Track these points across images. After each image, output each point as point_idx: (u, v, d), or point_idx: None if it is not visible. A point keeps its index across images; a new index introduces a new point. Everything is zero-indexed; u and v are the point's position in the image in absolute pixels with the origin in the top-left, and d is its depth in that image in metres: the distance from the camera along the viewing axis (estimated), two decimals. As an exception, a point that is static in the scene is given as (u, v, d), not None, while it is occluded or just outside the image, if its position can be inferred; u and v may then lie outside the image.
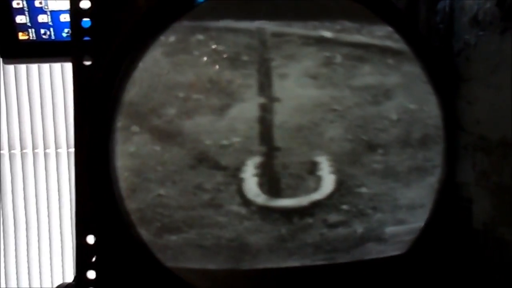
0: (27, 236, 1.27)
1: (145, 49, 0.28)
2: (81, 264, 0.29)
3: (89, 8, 0.30)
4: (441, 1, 0.33)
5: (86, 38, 0.29)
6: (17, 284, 1.25)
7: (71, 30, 0.30)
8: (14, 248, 1.27)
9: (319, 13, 0.28)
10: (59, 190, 1.26)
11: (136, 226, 0.27)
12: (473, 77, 0.29)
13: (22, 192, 1.26)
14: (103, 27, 0.29)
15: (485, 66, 0.28)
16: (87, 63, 0.29)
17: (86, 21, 0.30)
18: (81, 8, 0.30)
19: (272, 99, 0.28)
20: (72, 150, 1.26)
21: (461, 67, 0.30)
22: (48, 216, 1.27)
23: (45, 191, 1.26)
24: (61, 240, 1.27)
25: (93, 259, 0.29)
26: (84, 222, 0.28)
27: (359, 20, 0.29)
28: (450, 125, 0.30)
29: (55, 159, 1.25)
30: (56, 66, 1.20)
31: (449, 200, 0.31)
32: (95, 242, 0.29)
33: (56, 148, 1.25)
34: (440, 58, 0.31)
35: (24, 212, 1.26)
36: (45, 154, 1.25)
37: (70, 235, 1.26)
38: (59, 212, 1.27)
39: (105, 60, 0.28)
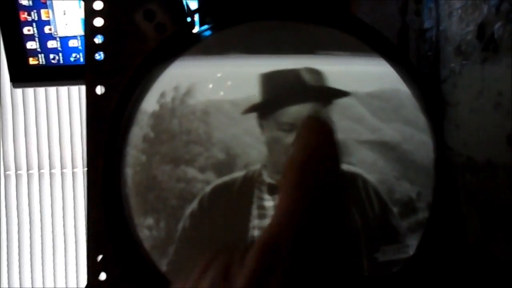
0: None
1: (153, 81, 0.30)
2: (92, 284, 0.30)
3: (102, 42, 0.32)
4: (429, 31, 0.35)
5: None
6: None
7: (85, 62, 0.32)
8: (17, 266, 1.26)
9: (313, 45, 0.31)
10: (63, 209, 1.27)
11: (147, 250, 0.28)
12: (459, 102, 0.32)
13: (28, 212, 1.27)
14: (115, 58, 0.31)
15: (470, 92, 0.30)
16: (100, 92, 0.31)
17: (99, 53, 0.32)
18: (94, 42, 0.32)
19: None
20: (77, 170, 1.28)
21: (449, 93, 0.33)
22: (51, 234, 1.27)
23: (50, 211, 1.27)
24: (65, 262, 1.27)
25: (104, 278, 0.30)
26: (95, 242, 0.30)
27: (352, 52, 0.31)
28: (440, 146, 0.32)
29: (60, 179, 1.27)
30: (62, 88, 1.23)
31: (443, 218, 0.32)
32: (106, 261, 0.30)
33: (62, 168, 1.26)
34: (429, 84, 0.34)
35: (28, 234, 1.27)
36: (51, 174, 1.27)
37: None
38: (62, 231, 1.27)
39: (117, 89, 0.30)
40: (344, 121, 0.30)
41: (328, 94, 0.30)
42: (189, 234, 0.29)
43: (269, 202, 0.29)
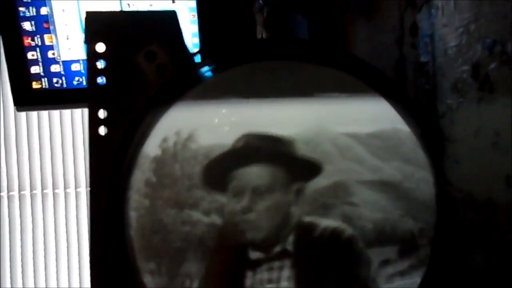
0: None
1: (154, 124, 0.30)
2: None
3: (104, 84, 0.32)
4: (426, 65, 0.36)
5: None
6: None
7: (88, 105, 0.32)
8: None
9: (313, 86, 0.31)
10: (67, 226, 1.27)
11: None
12: (457, 138, 0.32)
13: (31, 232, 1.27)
14: (117, 98, 0.32)
15: (467, 129, 0.31)
16: (103, 133, 0.32)
17: (102, 96, 0.33)
18: (97, 83, 0.33)
19: None
20: (80, 190, 1.28)
21: (447, 128, 0.33)
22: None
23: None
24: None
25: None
26: (99, 285, 0.30)
27: (351, 90, 0.31)
28: (440, 181, 0.32)
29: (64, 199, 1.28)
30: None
31: (445, 253, 0.32)
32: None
33: (65, 188, 1.27)
34: (427, 118, 0.34)
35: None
36: (49, 194, 1.27)
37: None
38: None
39: (119, 131, 0.31)
40: (345, 162, 0.30)
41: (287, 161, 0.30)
42: None
43: (249, 280, 0.30)
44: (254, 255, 0.30)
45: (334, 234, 0.30)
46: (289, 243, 0.30)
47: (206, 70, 0.32)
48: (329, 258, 0.30)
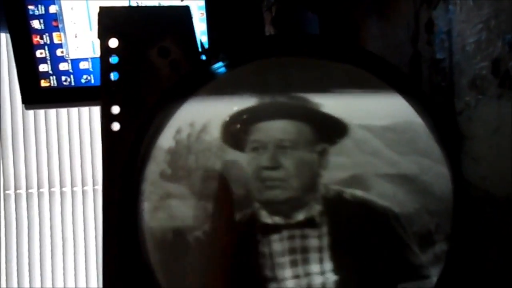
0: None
1: (169, 118, 0.30)
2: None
3: (117, 80, 0.32)
4: (442, 62, 0.35)
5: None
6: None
7: (101, 100, 0.32)
8: None
9: (326, 82, 0.31)
10: (73, 224, 1.28)
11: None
12: (476, 135, 0.31)
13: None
14: (130, 95, 0.32)
15: (486, 127, 0.30)
16: (115, 129, 0.32)
17: (115, 92, 0.32)
18: (110, 79, 0.32)
19: None
20: (87, 188, 1.29)
21: (465, 126, 0.32)
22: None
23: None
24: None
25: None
26: (112, 281, 0.30)
27: (364, 86, 0.31)
28: (457, 180, 0.32)
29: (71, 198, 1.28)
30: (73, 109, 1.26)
31: (462, 250, 0.32)
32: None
33: (72, 186, 1.28)
34: (443, 115, 0.33)
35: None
36: (62, 193, 1.28)
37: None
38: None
39: (132, 126, 0.30)
40: (361, 155, 0.30)
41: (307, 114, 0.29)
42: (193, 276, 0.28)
43: (266, 248, 0.28)
44: (273, 219, 0.29)
45: (367, 205, 0.29)
46: (314, 209, 0.29)
47: (219, 67, 0.32)
48: (362, 229, 0.29)
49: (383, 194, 0.30)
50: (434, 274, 0.30)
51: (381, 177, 0.30)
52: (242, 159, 0.29)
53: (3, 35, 0.91)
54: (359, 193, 0.29)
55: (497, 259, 0.30)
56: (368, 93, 0.31)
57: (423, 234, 0.30)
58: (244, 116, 0.29)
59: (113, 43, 0.32)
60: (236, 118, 0.30)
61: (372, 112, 0.31)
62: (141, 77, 0.32)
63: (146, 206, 0.29)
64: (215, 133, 0.29)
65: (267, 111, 0.30)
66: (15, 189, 1.25)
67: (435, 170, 0.31)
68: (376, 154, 0.30)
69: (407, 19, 0.40)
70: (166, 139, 0.30)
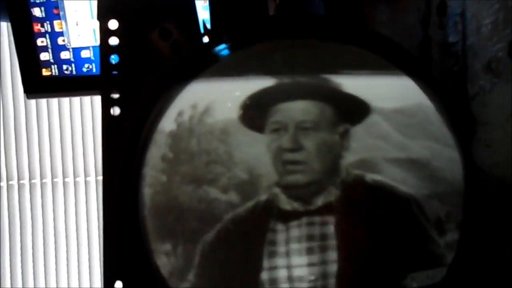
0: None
1: (171, 101, 0.29)
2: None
3: (118, 62, 0.31)
4: (455, 45, 0.34)
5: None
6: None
7: (100, 82, 0.31)
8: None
9: (333, 63, 0.29)
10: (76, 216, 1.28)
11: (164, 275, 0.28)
12: (490, 121, 0.30)
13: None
14: (131, 77, 0.31)
15: (501, 112, 0.29)
16: (116, 114, 0.31)
17: (114, 74, 0.32)
18: (110, 62, 0.32)
19: None
20: (89, 178, 1.29)
21: (478, 111, 0.31)
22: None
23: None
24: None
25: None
26: (112, 268, 0.29)
27: (372, 68, 0.30)
28: (469, 166, 0.31)
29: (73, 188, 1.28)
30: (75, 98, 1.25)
31: (473, 239, 0.31)
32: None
33: (75, 177, 1.28)
34: (455, 100, 0.32)
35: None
36: (64, 183, 1.28)
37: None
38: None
39: (133, 109, 0.30)
40: (370, 139, 0.29)
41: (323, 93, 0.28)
42: (207, 263, 0.28)
43: (281, 235, 0.28)
44: (292, 205, 0.28)
45: (389, 190, 0.28)
46: (333, 194, 0.28)
47: (222, 49, 0.31)
48: (382, 215, 0.28)
49: (393, 179, 0.28)
50: (446, 263, 0.29)
51: (390, 161, 0.29)
52: (262, 140, 0.28)
53: (4, 24, 0.90)
54: (379, 177, 0.28)
55: (510, 249, 0.29)
56: (377, 74, 0.30)
57: (433, 221, 0.29)
58: (264, 97, 0.28)
59: (113, 24, 0.31)
60: (255, 98, 0.28)
61: (380, 94, 0.29)
62: (142, 60, 0.31)
63: (147, 190, 0.28)
64: (217, 115, 0.29)
65: (287, 92, 0.29)
66: (18, 179, 1.25)
67: (446, 154, 0.29)
68: (386, 138, 0.29)
69: (417, 3, 0.39)
70: (167, 122, 0.29)
